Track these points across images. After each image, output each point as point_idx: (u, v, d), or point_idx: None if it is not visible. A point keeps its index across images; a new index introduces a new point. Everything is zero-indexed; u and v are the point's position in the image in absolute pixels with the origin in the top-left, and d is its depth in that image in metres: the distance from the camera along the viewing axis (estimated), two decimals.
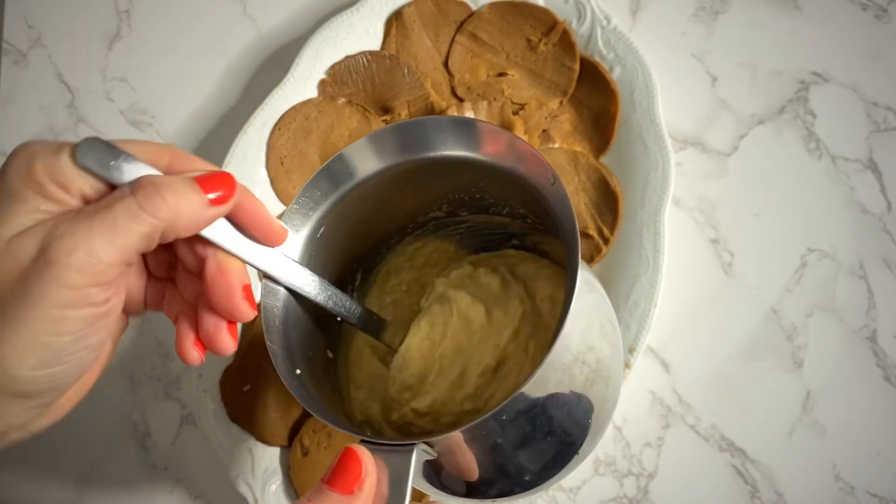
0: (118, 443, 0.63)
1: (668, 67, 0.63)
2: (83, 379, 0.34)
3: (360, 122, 0.62)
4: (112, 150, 0.29)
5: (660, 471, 0.59)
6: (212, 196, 0.30)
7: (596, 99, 0.60)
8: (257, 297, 0.35)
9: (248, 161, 0.60)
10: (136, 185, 0.29)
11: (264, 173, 0.61)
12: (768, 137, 0.62)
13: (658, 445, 0.59)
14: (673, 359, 0.60)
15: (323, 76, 0.62)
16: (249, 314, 0.33)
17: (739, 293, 0.60)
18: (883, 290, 0.60)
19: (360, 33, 0.63)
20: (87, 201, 0.29)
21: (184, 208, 0.29)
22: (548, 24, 0.61)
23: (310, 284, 0.40)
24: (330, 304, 0.41)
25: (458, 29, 0.63)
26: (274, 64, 0.67)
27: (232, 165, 0.60)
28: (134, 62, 0.69)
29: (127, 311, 0.35)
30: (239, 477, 0.57)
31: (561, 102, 0.61)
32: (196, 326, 0.34)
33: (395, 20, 0.63)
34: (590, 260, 0.59)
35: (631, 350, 0.56)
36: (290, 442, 0.58)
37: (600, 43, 0.60)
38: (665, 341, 0.60)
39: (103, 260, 0.28)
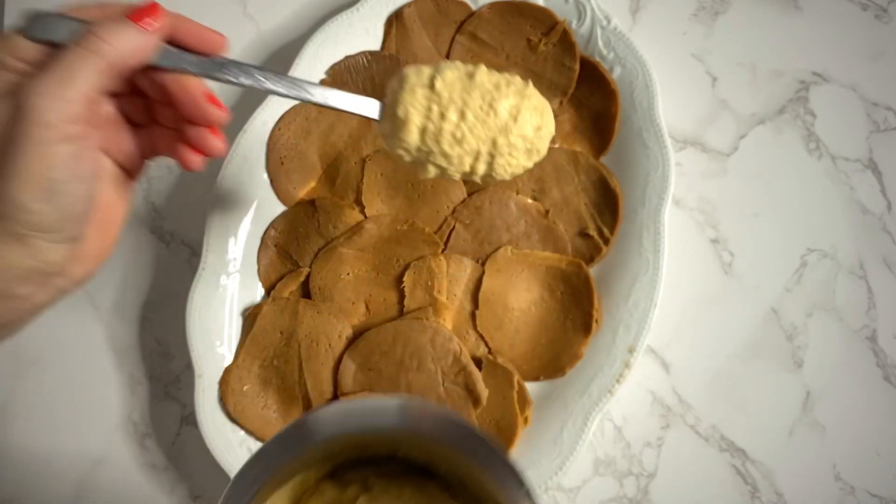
0: (118, 443, 0.63)
1: (668, 67, 0.63)
2: (107, 224, 0.39)
3: (360, 122, 0.62)
4: (53, 17, 0.35)
5: (660, 471, 0.59)
6: (144, 24, 0.35)
7: (596, 99, 0.60)
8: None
9: (248, 161, 0.61)
10: (80, 37, 0.34)
11: (264, 173, 0.61)
12: (768, 137, 0.62)
13: (658, 445, 0.59)
14: (673, 359, 0.60)
15: (323, 76, 0.62)
16: (220, 115, 0.39)
17: (739, 293, 0.60)
18: (883, 290, 0.60)
19: (360, 33, 0.63)
20: (42, 67, 0.34)
21: (123, 42, 0.35)
22: (548, 24, 0.61)
23: (258, 77, 0.40)
24: (282, 90, 0.42)
25: (458, 29, 0.63)
26: (274, 64, 0.67)
27: (232, 165, 0.60)
28: None
29: (131, 172, 0.41)
30: None
31: (561, 102, 0.61)
32: (188, 145, 0.40)
33: (395, 20, 0.63)
34: (590, 260, 0.59)
35: (631, 350, 0.56)
36: None
37: (600, 43, 0.60)
38: (665, 341, 0.60)
39: (67, 97, 0.33)
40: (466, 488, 0.43)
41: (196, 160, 0.40)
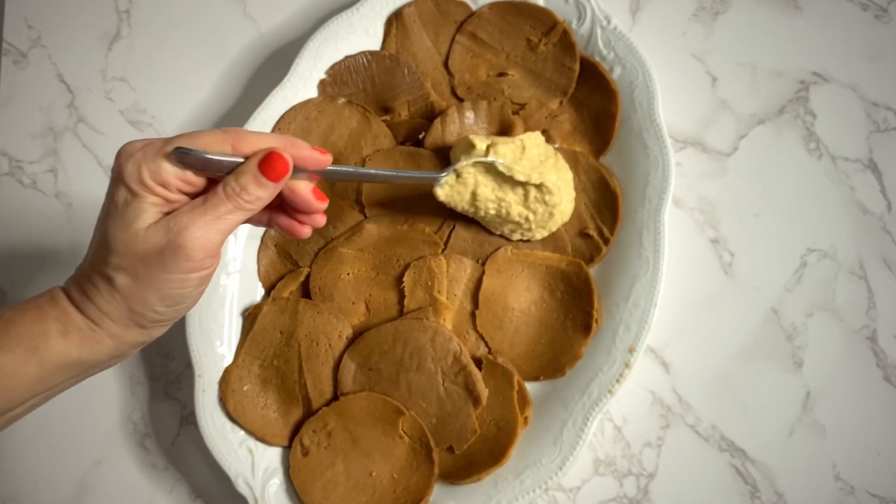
0: (118, 443, 0.63)
1: (668, 67, 0.63)
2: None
3: (360, 122, 0.62)
4: (196, 156, 0.41)
5: (660, 471, 0.59)
6: (276, 178, 0.43)
7: (596, 99, 0.60)
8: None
9: None
10: (230, 191, 0.42)
11: None
12: (768, 137, 0.62)
13: (658, 445, 0.59)
14: (673, 359, 0.60)
15: (323, 76, 0.62)
16: (322, 206, 0.48)
17: (739, 293, 0.60)
18: (883, 290, 0.60)
19: (360, 33, 0.63)
20: (180, 191, 0.42)
21: (261, 198, 0.43)
22: (548, 24, 0.61)
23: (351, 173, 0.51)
24: (383, 180, 0.53)
25: (458, 29, 0.63)
26: (274, 64, 0.67)
27: None
28: (134, 62, 0.69)
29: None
30: (239, 477, 0.57)
31: (561, 102, 0.61)
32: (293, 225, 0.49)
33: (395, 20, 0.63)
34: (590, 260, 0.59)
35: (631, 350, 0.56)
36: (290, 442, 0.58)
37: (600, 43, 0.60)
38: (665, 341, 0.60)
39: (213, 241, 0.42)
40: None
41: (306, 230, 0.49)
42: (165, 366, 0.63)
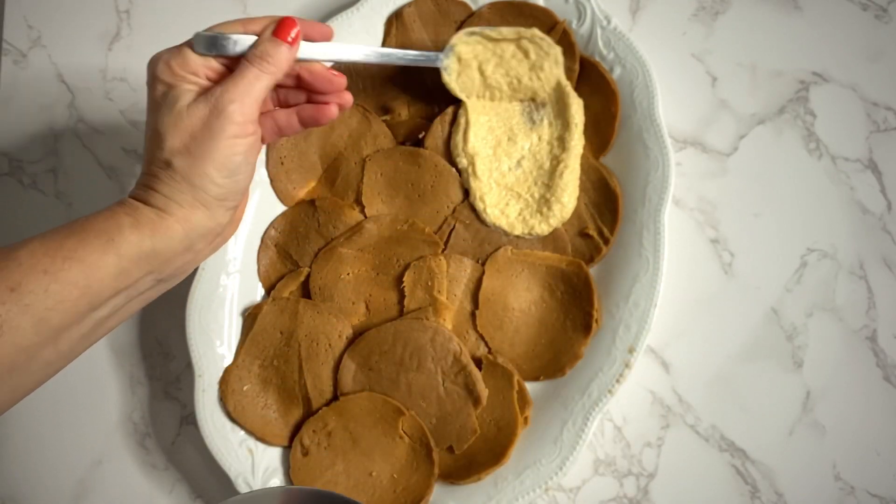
0: (118, 443, 0.63)
1: (668, 67, 0.63)
2: (244, 199, 0.51)
3: (360, 122, 0.62)
4: (214, 37, 0.47)
5: (660, 471, 0.59)
6: (289, 39, 0.47)
7: (596, 99, 0.60)
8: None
9: None
10: (252, 57, 0.46)
11: (264, 173, 0.61)
12: (768, 137, 0.62)
13: (658, 445, 0.59)
14: (673, 359, 0.60)
15: None
16: (342, 82, 0.51)
17: (739, 293, 0.60)
18: (883, 290, 0.60)
19: (360, 33, 0.63)
20: (208, 77, 0.47)
21: (281, 59, 0.47)
22: (547, 23, 0.61)
23: (365, 53, 0.54)
24: (383, 60, 0.56)
25: (458, 29, 0.63)
26: None
27: None
28: (134, 62, 0.69)
29: (267, 140, 0.51)
30: (239, 477, 0.57)
31: None
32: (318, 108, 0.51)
33: (395, 20, 0.63)
34: (590, 260, 0.59)
35: (631, 350, 0.56)
36: (290, 442, 0.58)
37: (600, 43, 0.60)
38: (665, 341, 0.60)
39: (248, 103, 0.46)
40: None
41: (334, 109, 0.51)
42: (165, 366, 0.63)
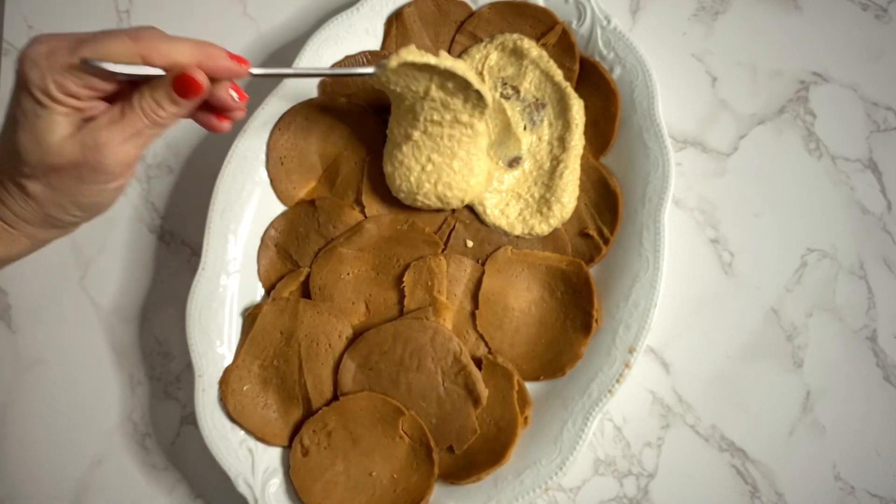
0: (118, 443, 0.63)
1: (668, 67, 0.63)
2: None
3: (359, 122, 0.62)
4: (101, 66, 0.40)
5: (660, 471, 0.59)
6: (190, 99, 0.43)
7: (596, 99, 0.60)
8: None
9: (248, 161, 0.61)
10: (145, 108, 0.42)
11: (264, 173, 0.61)
12: (768, 137, 0.62)
13: (658, 445, 0.59)
14: (673, 359, 0.60)
15: None
16: (242, 104, 0.47)
17: (739, 293, 0.60)
18: (883, 290, 0.60)
19: (360, 33, 0.63)
20: (89, 98, 0.41)
21: (176, 113, 0.43)
22: (547, 24, 0.61)
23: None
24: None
25: (458, 29, 0.63)
26: (274, 64, 0.67)
27: (232, 165, 0.60)
28: None
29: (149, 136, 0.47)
30: (239, 477, 0.57)
31: None
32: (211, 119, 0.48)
33: (395, 20, 0.63)
34: (590, 260, 0.59)
35: (631, 350, 0.56)
36: (290, 442, 0.58)
37: (600, 43, 0.60)
38: (665, 341, 0.60)
39: (131, 154, 0.42)
40: None
41: (226, 125, 0.48)
42: (165, 366, 0.63)
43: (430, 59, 0.53)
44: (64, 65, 0.40)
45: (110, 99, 0.43)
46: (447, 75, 0.53)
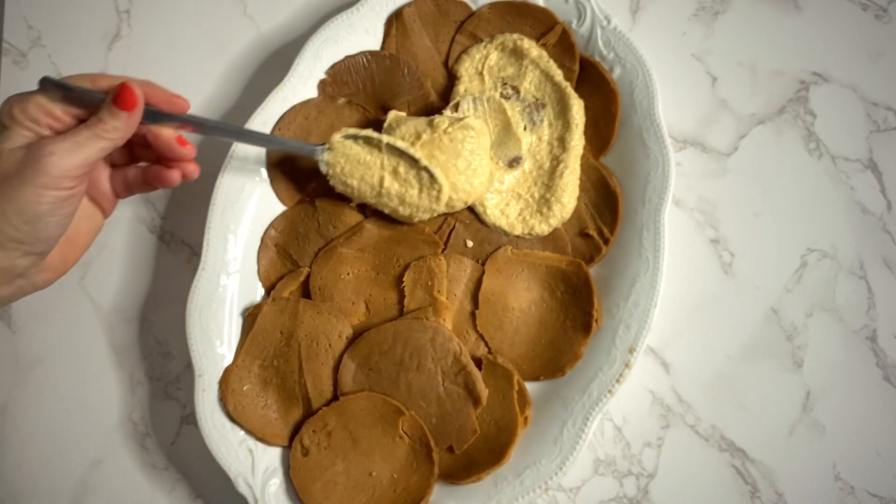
0: (118, 443, 0.63)
1: (668, 67, 0.63)
2: (71, 246, 0.51)
3: (360, 122, 0.62)
4: (58, 83, 0.47)
5: (660, 471, 0.59)
6: (130, 110, 0.48)
7: (596, 99, 0.60)
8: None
9: (248, 161, 0.61)
10: (91, 121, 0.47)
11: (264, 173, 0.61)
12: (768, 137, 0.62)
13: (658, 445, 0.59)
14: (673, 359, 0.60)
15: (323, 76, 0.62)
16: (188, 153, 0.52)
17: (739, 293, 0.60)
18: (883, 290, 0.60)
19: (360, 33, 0.63)
20: (50, 127, 0.47)
21: (118, 127, 0.48)
22: (547, 24, 0.61)
23: (214, 127, 0.55)
24: (249, 142, 0.56)
25: (458, 29, 0.63)
26: (274, 64, 0.67)
27: (232, 165, 0.60)
28: (134, 62, 0.69)
29: (104, 208, 0.54)
30: (239, 477, 0.57)
31: None
32: (162, 170, 0.53)
33: (395, 20, 0.63)
34: (590, 260, 0.59)
35: (631, 350, 0.56)
36: (290, 442, 0.58)
37: (600, 43, 0.60)
38: (665, 341, 0.60)
39: (71, 163, 0.46)
40: None
41: (175, 175, 0.52)
42: (165, 366, 0.63)
43: (371, 133, 0.56)
44: (32, 95, 0.47)
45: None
46: (395, 153, 0.56)
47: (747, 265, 0.61)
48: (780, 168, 0.62)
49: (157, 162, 0.53)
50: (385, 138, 0.56)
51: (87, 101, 0.48)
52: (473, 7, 0.63)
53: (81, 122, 0.48)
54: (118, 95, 0.47)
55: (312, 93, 0.62)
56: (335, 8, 0.66)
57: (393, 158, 0.56)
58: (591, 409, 0.55)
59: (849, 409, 0.58)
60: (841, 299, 0.60)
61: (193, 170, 0.53)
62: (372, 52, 0.63)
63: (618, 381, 0.55)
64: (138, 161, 0.54)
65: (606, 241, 0.59)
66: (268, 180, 0.61)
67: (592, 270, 0.59)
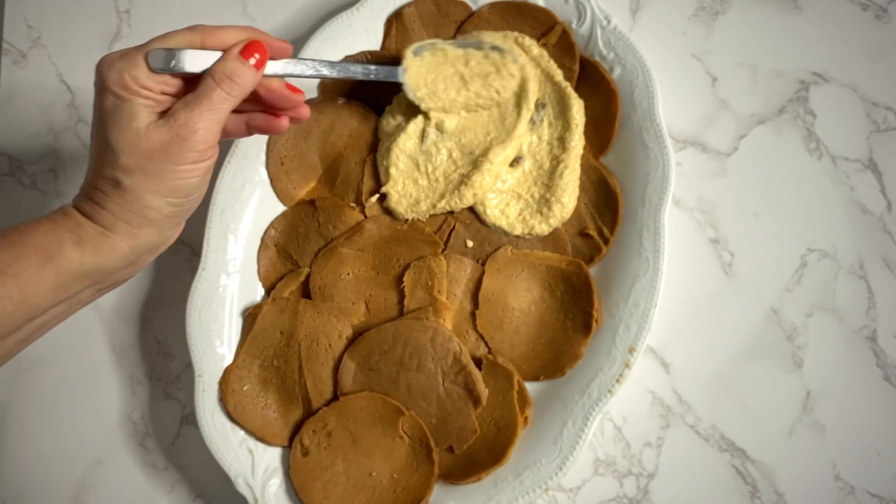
0: (118, 443, 0.63)
1: (668, 67, 0.63)
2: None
3: (359, 122, 0.62)
4: (172, 52, 0.44)
5: (660, 471, 0.59)
6: (254, 61, 0.46)
7: (596, 99, 0.60)
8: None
9: (248, 161, 0.61)
10: (219, 77, 0.45)
11: (264, 173, 0.61)
12: (768, 137, 0.62)
13: (658, 445, 0.59)
14: (673, 359, 0.60)
15: None
16: (300, 98, 0.50)
17: (739, 293, 0.60)
18: (883, 290, 0.60)
19: (360, 33, 0.63)
20: (163, 93, 0.45)
21: (247, 80, 0.46)
22: (547, 24, 0.61)
23: (322, 68, 0.52)
24: (343, 76, 0.54)
25: (458, 29, 0.63)
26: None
27: (232, 165, 0.60)
28: None
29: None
30: (239, 477, 0.57)
31: None
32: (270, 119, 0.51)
33: (395, 20, 0.63)
34: (590, 260, 0.59)
35: (631, 350, 0.56)
36: (290, 442, 0.58)
37: (600, 43, 0.60)
38: (665, 341, 0.60)
39: (212, 131, 0.45)
40: None
41: (285, 122, 0.51)
42: (165, 366, 0.63)
43: (435, 40, 0.57)
44: (137, 59, 0.44)
45: (179, 97, 0.46)
46: (461, 47, 0.58)
47: (747, 265, 0.61)
48: (780, 168, 0.62)
49: (262, 111, 0.51)
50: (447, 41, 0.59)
51: (198, 66, 0.45)
52: (473, 7, 0.63)
53: (185, 81, 0.46)
54: (247, 48, 0.46)
55: (312, 93, 0.62)
56: (335, 8, 0.66)
57: (460, 53, 0.58)
58: (591, 409, 0.55)
59: (849, 409, 0.58)
60: (841, 299, 0.60)
61: (306, 111, 0.52)
62: (372, 52, 0.63)
63: (618, 381, 0.55)
64: (236, 111, 0.51)
65: (606, 241, 0.59)
66: (268, 180, 0.61)
67: (592, 270, 0.59)
